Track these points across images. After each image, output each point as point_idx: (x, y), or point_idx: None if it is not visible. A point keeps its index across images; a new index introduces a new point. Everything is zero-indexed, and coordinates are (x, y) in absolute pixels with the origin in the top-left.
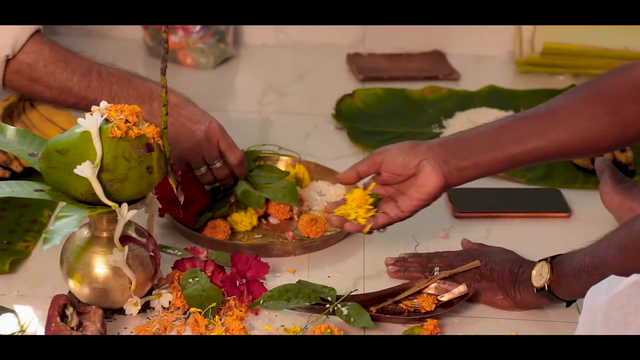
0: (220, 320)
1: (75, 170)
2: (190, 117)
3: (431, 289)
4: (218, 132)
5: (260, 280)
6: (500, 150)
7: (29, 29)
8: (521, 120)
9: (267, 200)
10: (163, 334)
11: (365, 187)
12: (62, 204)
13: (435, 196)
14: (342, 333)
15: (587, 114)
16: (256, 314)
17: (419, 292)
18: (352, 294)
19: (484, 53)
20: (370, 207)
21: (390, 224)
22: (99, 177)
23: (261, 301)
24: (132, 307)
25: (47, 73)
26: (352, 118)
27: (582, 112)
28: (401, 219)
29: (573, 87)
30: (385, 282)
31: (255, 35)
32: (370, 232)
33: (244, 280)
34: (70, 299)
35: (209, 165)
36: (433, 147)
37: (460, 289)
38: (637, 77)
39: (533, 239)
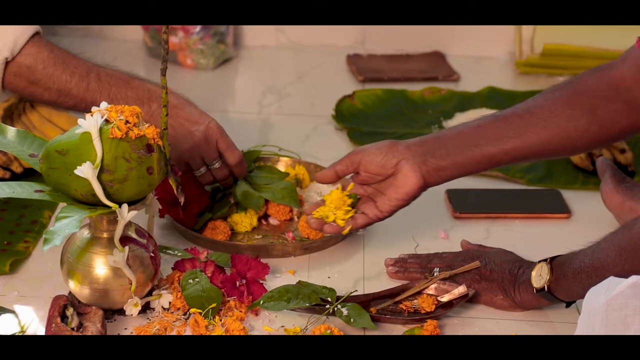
0: (221, 321)
1: (76, 171)
2: (189, 118)
3: (431, 290)
4: (217, 132)
5: (260, 281)
6: (478, 150)
7: (28, 32)
8: (500, 120)
9: (267, 201)
10: (163, 335)
11: (343, 188)
12: (62, 204)
13: (414, 196)
14: (342, 334)
15: (565, 113)
16: (256, 314)
17: (419, 293)
18: (352, 294)
19: (483, 54)
20: (349, 208)
21: (370, 224)
22: (99, 177)
23: (261, 302)
24: (132, 308)
25: (46, 75)
26: (352, 119)
27: (561, 112)
28: (380, 219)
29: (552, 86)
30: (385, 283)
31: (255, 36)
32: (349, 232)
33: (244, 281)
34: (71, 300)
35: (208, 166)
36: (411, 147)
37: (460, 289)
38: (615, 76)
39: (533, 239)
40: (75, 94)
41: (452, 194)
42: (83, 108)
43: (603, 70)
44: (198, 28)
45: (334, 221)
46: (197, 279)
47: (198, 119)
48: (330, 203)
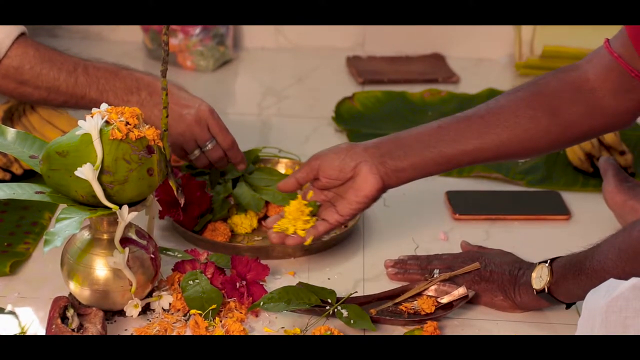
0: (221, 322)
1: (76, 173)
2: (180, 102)
3: (431, 291)
4: (208, 114)
5: (260, 282)
6: (437, 151)
7: (12, 34)
8: (460, 121)
9: (267, 203)
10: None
11: (303, 196)
12: (62, 206)
13: (374, 198)
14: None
15: (526, 114)
16: (256, 316)
17: (419, 294)
18: (352, 296)
19: (483, 56)
20: (308, 217)
21: (332, 230)
22: (99, 179)
23: (261, 303)
24: (132, 309)
25: (34, 75)
26: (352, 121)
27: (522, 113)
28: (341, 224)
29: (515, 87)
30: (385, 284)
31: (255, 38)
32: (313, 242)
33: (244, 282)
34: (71, 301)
35: (202, 148)
36: (369, 149)
37: (460, 291)
38: (579, 77)
39: (533, 241)
40: (64, 90)
41: (451, 196)
42: (74, 103)
43: (567, 72)
44: (198, 30)
45: (295, 233)
46: (197, 280)
47: (189, 103)
48: (289, 215)
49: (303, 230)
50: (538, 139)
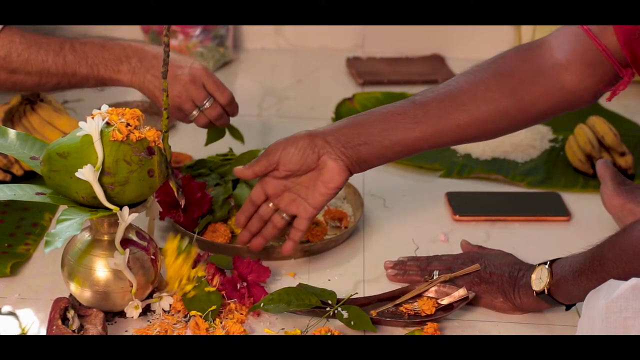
0: (221, 323)
1: (77, 174)
2: (172, 63)
3: (431, 293)
4: (202, 72)
5: (261, 284)
6: (396, 140)
7: None
8: (418, 107)
9: None
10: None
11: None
12: (63, 207)
13: (341, 188)
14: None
15: (485, 96)
16: (258, 315)
17: (419, 296)
18: (352, 297)
19: (483, 57)
20: (188, 267)
21: (310, 224)
22: (100, 180)
23: (262, 304)
24: (133, 310)
25: (22, 61)
26: None
27: (481, 95)
28: (315, 216)
29: (475, 65)
30: (386, 286)
31: (255, 39)
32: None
33: (244, 284)
34: (72, 302)
35: (200, 108)
36: (329, 139)
37: (461, 292)
38: (540, 54)
39: (533, 242)
40: (54, 72)
41: (452, 197)
42: (66, 83)
43: (530, 49)
44: (198, 31)
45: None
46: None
47: (181, 63)
48: (171, 272)
49: (189, 285)
50: (497, 120)
